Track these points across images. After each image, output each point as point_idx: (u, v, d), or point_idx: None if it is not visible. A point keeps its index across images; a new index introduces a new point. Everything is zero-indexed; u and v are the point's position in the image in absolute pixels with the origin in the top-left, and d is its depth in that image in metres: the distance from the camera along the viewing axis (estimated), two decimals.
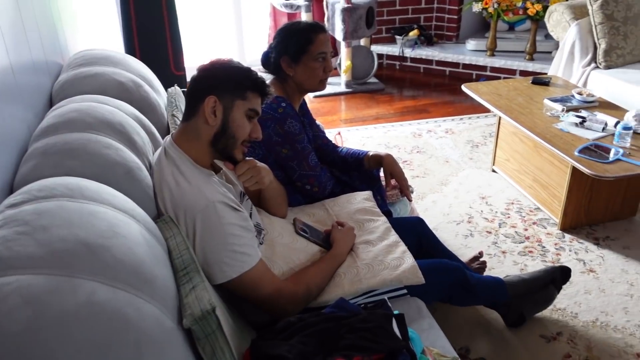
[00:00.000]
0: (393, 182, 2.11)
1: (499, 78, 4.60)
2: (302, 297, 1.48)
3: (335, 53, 5.01)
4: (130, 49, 3.01)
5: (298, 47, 1.89)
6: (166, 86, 2.33)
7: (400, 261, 1.67)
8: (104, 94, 1.66)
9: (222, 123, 1.42)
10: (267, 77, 2.02)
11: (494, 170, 3.30)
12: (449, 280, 1.77)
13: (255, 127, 1.50)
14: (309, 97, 4.69)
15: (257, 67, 2.05)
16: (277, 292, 1.43)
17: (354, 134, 3.95)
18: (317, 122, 2.26)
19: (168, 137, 1.48)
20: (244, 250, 1.38)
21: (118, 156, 1.32)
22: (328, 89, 4.79)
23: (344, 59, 4.70)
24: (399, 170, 2.07)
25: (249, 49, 5.23)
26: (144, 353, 0.83)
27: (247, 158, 1.58)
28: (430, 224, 2.75)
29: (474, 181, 3.23)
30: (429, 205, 2.98)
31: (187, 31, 4.46)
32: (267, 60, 2.00)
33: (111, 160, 1.29)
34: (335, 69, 4.93)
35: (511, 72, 4.79)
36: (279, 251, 1.62)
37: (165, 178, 1.40)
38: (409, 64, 5.34)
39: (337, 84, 4.83)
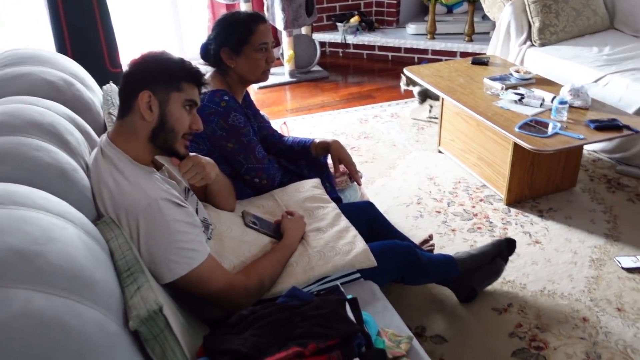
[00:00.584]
0: (342, 168, 2.11)
1: (440, 60, 4.67)
2: (254, 289, 1.46)
3: (277, 43, 4.97)
4: (61, 48, 2.88)
5: (238, 38, 1.85)
6: (102, 84, 2.25)
7: (351, 246, 1.67)
8: (32, 95, 1.57)
9: (159, 117, 1.37)
10: (208, 70, 1.98)
11: (440, 151, 3.36)
12: (400, 260, 1.79)
13: (195, 118, 1.45)
14: (253, 89, 4.64)
15: (199, 61, 2.00)
16: (229, 286, 1.41)
17: (301, 123, 3.93)
18: (262, 112, 2.23)
19: (104, 136, 1.43)
20: (191, 247, 1.35)
21: (50, 158, 1.26)
22: (272, 80, 4.75)
23: (286, 48, 4.66)
24: (346, 156, 2.07)
25: (189, 42, 5.11)
26: (86, 358, 0.80)
27: (191, 154, 1.54)
28: (381, 207, 2.77)
29: (421, 163, 3.27)
30: (379, 189, 3.01)
31: (123, 27, 4.32)
32: (207, 53, 1.95)
33: (43, 163, 1.23)
34: (278, 59, 4.89)
35: (452, 54, 4.88)
36: (228, 245, 1.59)
37: (104, 178, 1.35)
38: (351, 50, 5.35)
39: (280, 74, 4.79)
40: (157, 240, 1.30)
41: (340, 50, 5.41)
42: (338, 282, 1.38)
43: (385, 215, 2.66)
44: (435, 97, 3.65)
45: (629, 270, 2.30)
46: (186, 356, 1.01)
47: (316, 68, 4.93)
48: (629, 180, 2.96)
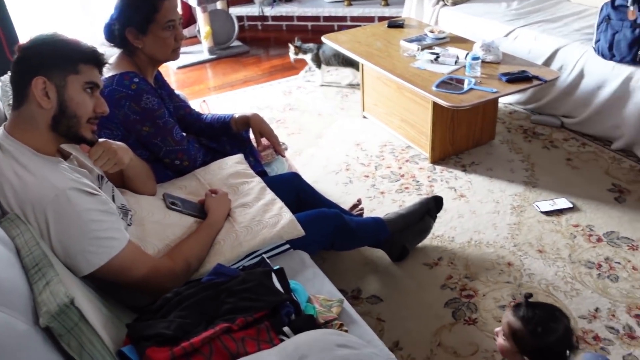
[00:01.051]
0: (264, 141, 2.09)
1: (359, 26, 4.67)
2: (181, 271, 1.43)
3: (193, 20, 4.82)
4: None
5: (143, 17, 1.75)
6: (2, 74, 2.10)
7: (278, 218, 1.66)
8: None
9: (58, 104, 1.29)
10: (115, 52, 1.88)
11: (365, 117, 3.39)
12: (328, 227, 1.80)
13: (99, 101, 1.38)
14: (172, 69, 4.50)
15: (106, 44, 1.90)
16: (153, 271, 1.37)
17: (224, 100, 3.86)
18: (178, 92, 2.16)
19: (0, 130, 1.33)
20: (108, 235, 1.30)
21: None
22: (191, 58, 4.62)
23: (202, 25, 4.53)
24: (267, 128, 2.05)
25: (100, 25, 4.86)
26: None
27: (101, 139, 1.47)
28: (310, 177, 2.79)
29: (347, 130, 3.29)
30: (307, 160, 3.01)
31: (26, 12, 4.06)
32: (111, 34, 1.85)
33: None
34: (195, 36, 4.76)
35: (370, 19, 4.89)
36: (150, 229, 1.55)
37: (5, 174, 1.26)
38: (270, 22, 5.27)
39: (199, 52, 4.66)
40: (70, 232, 1.25)
41: (259, 23, 5.31)
42: (264, 255, 1.37)
43: (315, 184, 2.68)
44: (331, 62, 3.72)
45: (547, 213, 2.42)
46: (106, 348, 0.98)
47: (236, 43, 4.83)
48: (543, 128, 3.10)
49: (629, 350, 1.77)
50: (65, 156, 1.44)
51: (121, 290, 1.40)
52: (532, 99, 3.19)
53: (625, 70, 2.69)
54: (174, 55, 1.85)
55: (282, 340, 1.07)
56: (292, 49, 3.82)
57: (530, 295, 1.42)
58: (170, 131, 1.83)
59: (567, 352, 1.36)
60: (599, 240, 2.25)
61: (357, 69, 3.50)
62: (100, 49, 1.43)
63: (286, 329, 1.13)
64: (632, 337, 1.82)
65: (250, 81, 4.15)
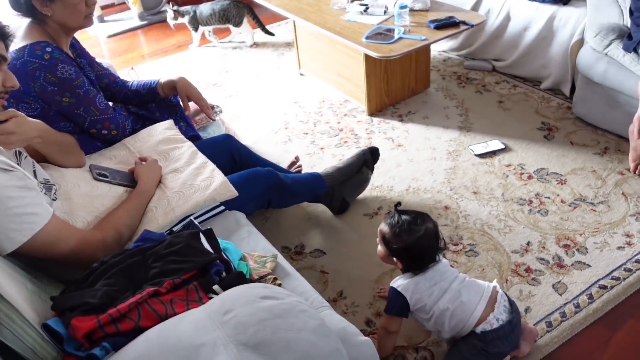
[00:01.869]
0: (192, 105, 2.05)
1: None
2: (111, 241, 1.41)
3: None
4: None
5: None
6: None
7: (210, 180, 1.65)
8: None
9: None
10: (24, 22, 1.79)
11: (301, 74, 3.36)
12: (262, 186, 1.80)
13: (7, 75, 1.34)
14: (102, 39, 4.33)
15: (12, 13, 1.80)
16: (82, 243, 1.35)
17: (158, 66, 3.75)
18: (101, 60, 2.08)
19: None
20: (28, 211, 1.26)
21: None
22: (121, 26, 4.45)
23: None
24: (195, 92, 2.01)
25: None
26: None
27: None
28: (250, 138, 2.78)
29: (285, 89, 3.27)
30: (246, 121, 2.98)
31: None
32: (16, 2, 1.75)
33: None
34: (124, 2, 4.57)
35: None
36: (78, 203, 1.51)
37: None
38: None
39: (129, 18, 4.50)
40: None
41: None
42: (191, 217, 1.37)
43: (254, 145, 2.68)
44: (209, 22, 3.75)
45: (481, 155, 2.49)
46: (28, 321, 0.97)
47: (166, 7, 4.66)
48: (476, 73, 3.16)
49: (558, 278, 1.87)
50: None
51: (53, 266, 1.38)
52: (464, 44, 3.23)
53: (548, 10, 2.75)
54: (86, 21, 1.77)
55: (211, 299, 1.08)
56: (170, 13, 3.77)
57: (399, 203, 1.60)
58: (93, 100, 1.77)
59: (437, 254, 1.53)
60: (530, 177, 2.34)
61: (235, 25, 3.68)
62: (7, 20, 1.36)
63: (216, 287, 1.14)
64: (561, 265, 1.92)
65: (183, 45, 4.04)
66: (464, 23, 2.57)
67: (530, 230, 2.07)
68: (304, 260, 2.05)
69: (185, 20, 3.76)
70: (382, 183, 2.39)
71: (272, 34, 3.89)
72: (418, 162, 2.51)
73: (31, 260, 1.32)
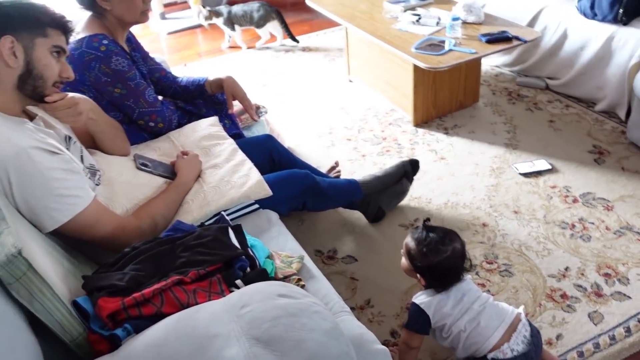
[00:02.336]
0: (236, 104, 2.09)
1: None
2: (147, 229, 1.46)
3: None
4: None
5: None
6: None
7: (246, 178, 1.69)
8: None
9: (25, 64, 1.32)
10: (85, 15, 1.88)
11: (350, 80, 3.38)
12: (297, 188, 1.82)
13: (65, 66, 1.42)
14: (162, 35, 4.48)
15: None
16: (119, 229, 1.40)
17: (213, 65, 3.85)
18: (153, 55, 2.16)
19: None
20: (72, 193, 1.32)
21: None
22: (181, 23, 4.59)
23: None
24: (240, 92, 2.05)
25: None
26: None
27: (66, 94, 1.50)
28: (294, 140, 2.81)
29: (332, 94, 3.29)
30: (291, 123, 3.01)
31: None
32: None
33: None
34: (185, 1, 4.71)
35: None
36: (119, 190, 1.57)
37: None
38: None
39: (189, 16, 4.62)
40: (33, 190, 1.27)
41: None
42: (222, 212, 1.40)
43: (297, 147, 2.71)
44: (241, 23, 3.82)
45: (526, 175, 2.43)
46: (57, 297, 1.01)
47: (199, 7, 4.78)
48: (528, 90, 3.09)
49: (595, 307, 1.80)
50: (32, 117, 1.45)
51: (90, 248, 1.44)
52: (518, 60, 3.17)
53: (607, 29, 2.66)
54: (143, 17, 1.84)
55: (232, 292, 1.10)
56: (204, 13, 3.84)
57: (428, 219, 1.56)
58: (143, 93, 1.84)
59: (462, 274, 1.49)
60: (575, 201, 2.27)
61: (257, 27, 3.79)
62: (73, 15, 1.45)
63: (239, 282, 1.16)
64: (599, 294, 1.85)
65: (239, 46, 4.12)
66: (517, 38, 2.52)
67: (570, 256, 2.01)
68: (335, 265, 2.06)
69: (219, 21, 3.84)
70: (421, 195, 2.37)
71: (297, 41, 3.94)
72: (459, 177, 2.47)
73: (70, 240, 1.38)
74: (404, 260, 1.57)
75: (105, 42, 1.76)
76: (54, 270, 1.12)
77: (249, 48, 4.05)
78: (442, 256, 1.45)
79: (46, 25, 1.35)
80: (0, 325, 0.92)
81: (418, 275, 1.52)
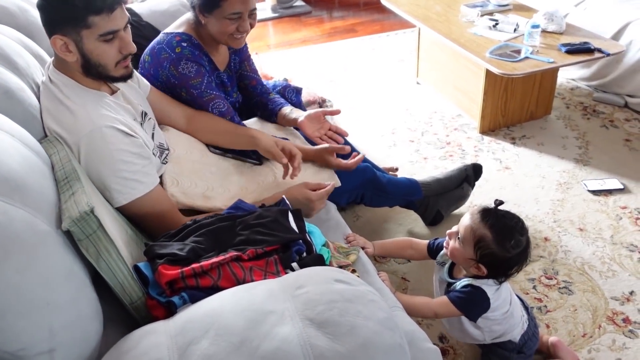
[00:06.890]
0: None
1: None
2: None
3: None
4: None
5: (209, 0, 1.67)
6: None
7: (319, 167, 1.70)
8: None
9: (81, 55, 1.30)
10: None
11: (418, 83, 3.34)
12: (357, 180, 1.81)
13: (123, 42, 1.33)
14: None
15: None
16: (170, 223, 1.38)
17: (281, 57, 3.89)
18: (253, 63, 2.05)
19: (49, 63, 1.41)
20: (136, 178, 1.33)
21: None
22: None
23: None
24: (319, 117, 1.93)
25: None
26: (10, 252, 0.84)
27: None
28: (356, 137, 2.80)
29: (399, 94, 3.26)
30: (355, 121, 3.01)
31: None
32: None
33: None
34: None
35: None
36: (187, 168, 1.61)
37: (49, 102, 1.33)
38: None
39: (263, 9, 4.70)
40: (99, 167, 1.29)
41: None
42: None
43: (359, 144, 2.69)
44: None
45: (595, 192, 2.33)
46: (122, 258, 1.05)
47: (299, 3, 4.83)
48: (605, 107, 2.96)
49: None
50: (113, 91, 1.48)
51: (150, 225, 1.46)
52: (597, 75, 3.03)
53: None
54: (231, 41, 1.75)
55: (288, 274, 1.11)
56: None
57: (502, 202, 1.41)
58: (206, 103, 1.75)
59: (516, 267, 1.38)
60: None
61: None
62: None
63: (294, 264, 1.16)
64: None
65: (308, 41, 4.16)
66: (600, 51, 2.41)
67: (637, 280, 1.90)
68: (387, 265, 2.04)
69: None
70: (481, 202, 2.31)
71: None
72: (524, 188, 2.39)
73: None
74: (457, 245, 1.40)
75: (184, 44, 1.71)
76: (119, 235, 1.16)
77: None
78: (520, 248, 1.35)
79: (85, 15, 1.25)
80: (68, 279, 0.96)
81: (478, 264, 1.38)
